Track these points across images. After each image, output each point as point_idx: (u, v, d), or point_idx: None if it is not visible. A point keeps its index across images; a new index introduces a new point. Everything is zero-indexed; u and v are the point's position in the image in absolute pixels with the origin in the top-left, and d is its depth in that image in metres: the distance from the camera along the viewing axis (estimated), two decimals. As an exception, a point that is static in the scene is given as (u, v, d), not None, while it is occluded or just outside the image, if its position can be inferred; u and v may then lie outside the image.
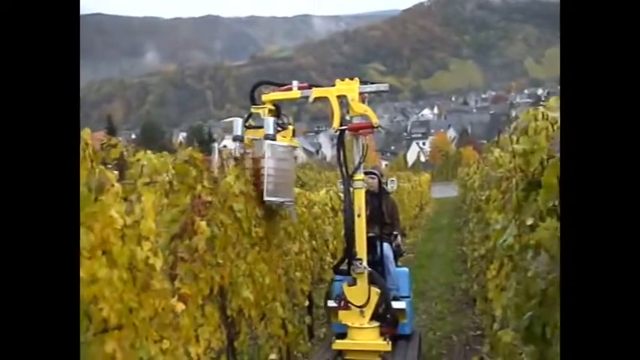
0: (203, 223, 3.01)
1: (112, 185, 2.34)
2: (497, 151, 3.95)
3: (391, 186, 5.46)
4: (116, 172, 2.64)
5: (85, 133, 2.35)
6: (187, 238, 2.99)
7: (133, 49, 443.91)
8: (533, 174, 2.11)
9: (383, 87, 4.42)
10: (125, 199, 2.45)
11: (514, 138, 2.38)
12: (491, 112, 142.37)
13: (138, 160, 2.88)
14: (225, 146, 4.28)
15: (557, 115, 1.95)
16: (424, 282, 9.25)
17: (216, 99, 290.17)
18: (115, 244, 2.30)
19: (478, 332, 6.02)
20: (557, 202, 1.73)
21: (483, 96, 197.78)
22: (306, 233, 5.36)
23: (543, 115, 2.06)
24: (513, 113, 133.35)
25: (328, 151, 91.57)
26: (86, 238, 2.09)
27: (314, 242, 5.72)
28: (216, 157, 3.67)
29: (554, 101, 2.14)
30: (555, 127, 1.92)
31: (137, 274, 2.47)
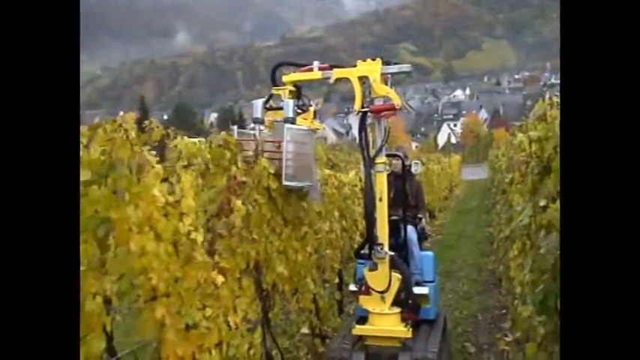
0: (239, 202, 3.24)
1: (152, 167, 2.57)
2: (520, 136, 4.06)
3: (415, 168, 5.35)
4: (155, 153, 2.83)
5: (129, 117, 2.59)
6: (224, 216, 3.22)
7: (164, 30, 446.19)
8: (547, 159, 2.25)
9: (405, 67, 4.23)
10: (166, 180, 2.69)
11: (531, 125, 2.52)
12: (524, 92, 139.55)
13: (175, 145, 3.10)
14: (254, 127, 4.16)
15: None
16: (452, 262, 9.39)
17: (246, 79, 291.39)
18: (159, 220, 2.54)
19: (503, 311, 6.15)
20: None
21: (516, 76, 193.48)
22: (336, 213, 5.56)
23: (557, 106, 2.19)
24: (547, 95, 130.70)
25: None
26: (135, 215, 2.33)
27: (344, 222, 5.91)
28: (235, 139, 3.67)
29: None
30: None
31: (180, 247, 2.71)
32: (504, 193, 6.37)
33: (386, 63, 4.17)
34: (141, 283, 2.44)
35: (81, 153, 2.19)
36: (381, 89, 4.08)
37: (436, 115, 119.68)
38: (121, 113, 2.44)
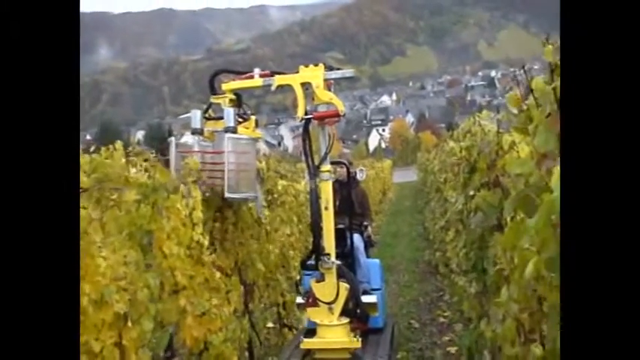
0: (230, 211, 3.89)
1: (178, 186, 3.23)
2: (451, 143, 4.93)
3: (360, 175, 5.34)
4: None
5: (118, 145, 3.19)
6: (219, 222, 3.87)
7: (83, 46, 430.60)
8: (474, 161, 3.07)
9: (348, 73, 4.15)
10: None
11: (461, 135, 3.35)
12: (447, 95, 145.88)
13: (187, 162, 3.67)
14: (186, 142, 3.97)
15: (486, 122, 2.91)
16: (392, 258, 10.23)
17: (172, 95, 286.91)
18: (181, 229, 3.17)
19: (440, 293, 7.14)
20: (486, 179, 2.70)
21: (439, 80, 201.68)
22: (295, 218, 6.26)
23: (479, 123, 3.03)
24: (469, 96, 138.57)
25: (290, 142, 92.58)
26: (168, 225, 2.97)
27: (300, 226, 6.62)
28: (173, 152, 3.69)
29: (487, 114, 3.12)
30: (487, 130, 2.88)
31: (192, 251, 3.35)
32: (438, 191, 7.30)
33: (328, 68, 4.09)
34: (167, 279, 3.07)
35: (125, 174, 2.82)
36: (324, 95, 3.98)
37: (365, 122, 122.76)
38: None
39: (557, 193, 1.32)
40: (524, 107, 1.93)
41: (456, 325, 5.55)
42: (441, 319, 6.11)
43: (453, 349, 5.02)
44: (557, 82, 1.54)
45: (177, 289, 3.17)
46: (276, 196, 5.35)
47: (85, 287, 2.21)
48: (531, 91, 1.72)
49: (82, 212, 2.32)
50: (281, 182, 5.68)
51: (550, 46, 1.53)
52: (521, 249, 1.84)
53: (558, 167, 1.32)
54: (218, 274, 3.69)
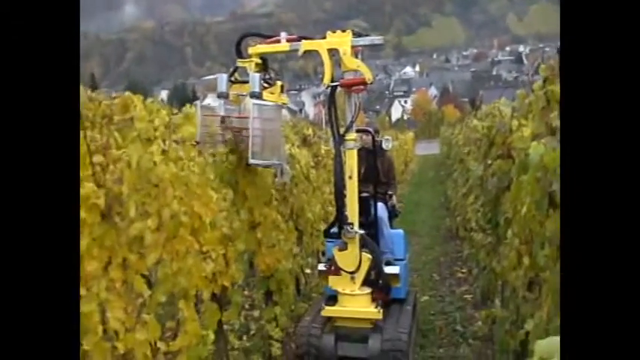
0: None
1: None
2: (475, 121, 5.76)
3: (386, 144, 5.22)
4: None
5: None
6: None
7: (109, 3, 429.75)
8: (492, 137, 3.90)
9: (377, 40, 4.06)
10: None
11: (482, 115, 4.16)
12: (472, 69, 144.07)
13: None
14: (208, 104, 3.92)
15: (505, 109, 3.72)
16: (413, 224, 11.04)
17: (195, 56, 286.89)
18: (257, 177, 4.08)
19: (459, 254, 8.02)
20: (501, 152, 3.53)
21: (465, 53, 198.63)
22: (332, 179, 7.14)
23: (498, 108, 3.86)
24: (495, 71, 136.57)
25: (311, 110, 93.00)
26: (248, 174, 3.87)
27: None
28: (199, 115, 3.67)
29: (504, 102, 3.93)
30: (503, 114, 3.70)
31: (264, 196, 4.26)
32: (461, 162, 8.12)
33: (356, 35, 3.99)
34: (247, 216, 3.98)
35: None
36: (351, 62, 3.90)
37: (387, 92, 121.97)
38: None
39: (534, 156, 2.12)
40: (528, 100, 2.76)
41: (471, 277, 6.46)
42: (459, 275, 7.04)
43: (469, 297, 5.95)
44: (548, 87, 2.38)
45: (255, 224, 4.09)
46: (320, 158, 6.22)
47: (208, 213, 3.10)
48: (532, 90, 2.56)
49: (200, 159, 3.21)
50: (324, 147, 6.53)
51: (543, 65, 2.35)
52: (521, 199, 2.69)
53: (541, 142, 2.15)
54: (280, 217, 4.62)
